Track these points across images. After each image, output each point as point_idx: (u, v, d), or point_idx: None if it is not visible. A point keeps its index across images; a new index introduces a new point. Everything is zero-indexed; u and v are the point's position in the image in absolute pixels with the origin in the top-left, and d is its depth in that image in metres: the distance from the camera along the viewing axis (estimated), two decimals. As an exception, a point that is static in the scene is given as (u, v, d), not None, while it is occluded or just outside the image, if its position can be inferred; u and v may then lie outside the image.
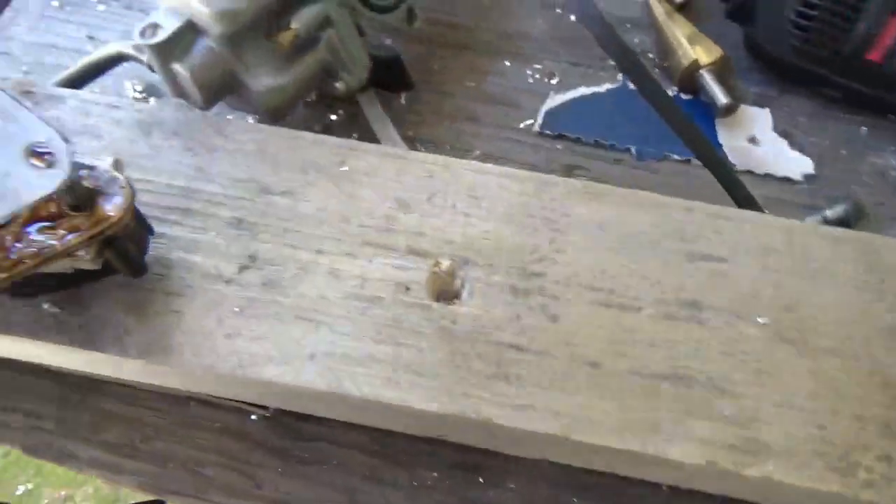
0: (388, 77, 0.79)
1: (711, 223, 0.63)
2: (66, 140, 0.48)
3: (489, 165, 0.65)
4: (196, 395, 0.64)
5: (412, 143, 0.78)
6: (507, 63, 0.85)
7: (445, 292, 0.61)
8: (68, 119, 0.65)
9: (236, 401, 0.64)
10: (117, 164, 0.54)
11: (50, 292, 0.56)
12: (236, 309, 0.57)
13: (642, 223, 0.63)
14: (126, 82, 0.80)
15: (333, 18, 0.71)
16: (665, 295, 0.59)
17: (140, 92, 0.79)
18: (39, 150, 0.48)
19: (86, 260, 0.51)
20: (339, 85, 0.73)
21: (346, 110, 0.81)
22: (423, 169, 0.65)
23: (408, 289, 0.59)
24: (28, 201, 0.47)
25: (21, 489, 1.79)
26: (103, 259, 0.53)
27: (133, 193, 0.52)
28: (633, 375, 0.56)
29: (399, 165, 0.65)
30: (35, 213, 0.49)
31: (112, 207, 0.51)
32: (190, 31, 0.66)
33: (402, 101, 0.82)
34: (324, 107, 0.81)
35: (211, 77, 0.67)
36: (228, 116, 0.77)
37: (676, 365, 0.56)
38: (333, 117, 0.80)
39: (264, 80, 0.68)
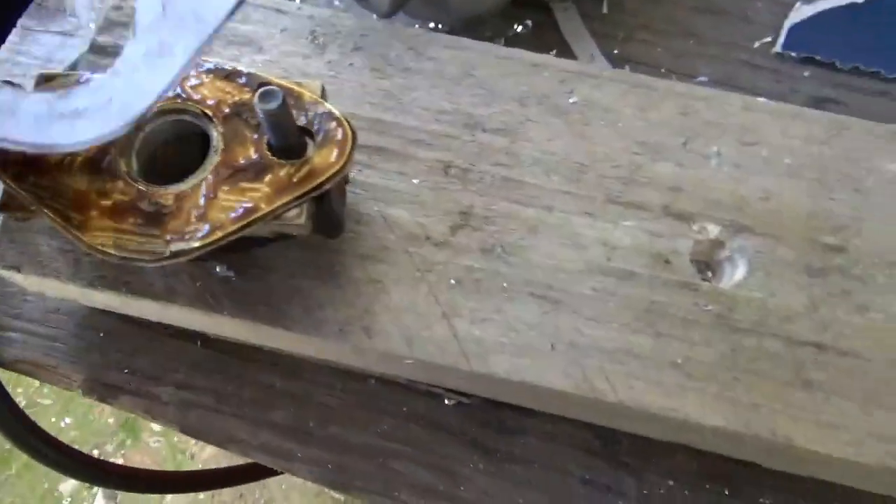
0: (594, -22, 0.63)
1: None
2: None
3: (763, 101, 0.50)
4: (377, 373, 0.53)
5: (619, 64, 0.63)
6: (735, -40, 0.68)
7: (700, 270, 0.47)
8: (225, 26, 0.52)
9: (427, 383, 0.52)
10: (324, 93, 0.41)
11: (222, 254, 0.45)
12: (452, 281, 0.45)
13: (973, 184, 0.48)
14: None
15: None
16: None
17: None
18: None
19: (295, 223, 0.39)
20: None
21: (534, 20, 0.65)
22: (675, 103, 0.50)
23: (667, 262, 0.46)
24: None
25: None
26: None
27: (354, 133, 0.39)
28: (975, 391, 0.42)
29: (643, 97, 0.50)
30: (232, 161, 0.37)
31: (328, 153, 0.38)
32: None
33: (605, 9, 0.66)
34: (504, 16, 0.66)
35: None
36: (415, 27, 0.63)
37: None
38: (518, 28, 0.65)
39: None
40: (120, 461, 1.59)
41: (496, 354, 0.43)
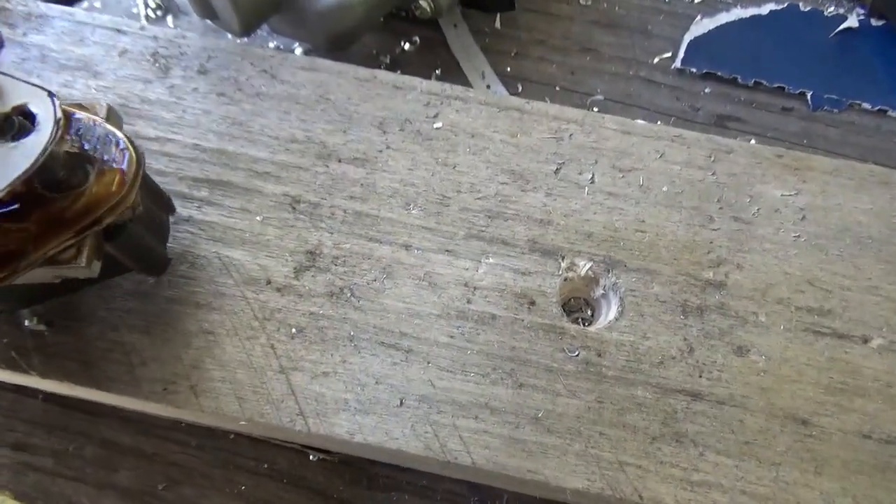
0: (482, -8, 0.59)
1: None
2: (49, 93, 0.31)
3: (641, 123, 0.46)
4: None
5: (510, 82, 0.59)
6: (634, -26, 0.64)
7: (580, 308, 0.44)
8: (54, 48, 0.47)
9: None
10: (111, 115, 0.36)
11: (33, 303, 0.40)
12: (294, 330, 0.40)
13: (863, 211, 0.44)
14: (138, -4, 0.61)
15: None
16: (902, 319, 0.42)
17: (155, 10, 0.61)
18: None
19: (76, 266, 0.34)
20: (423, 2, 0.53)
21: (422, 36, 0.61)
22: (547, 126, 0.46)
23: (533, 303, 0.42)
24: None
25: None
26: (102, 259, 0.36)
27: (140, 158, 0.34)
28: (863, 440, 0.39)
29: (514, 121, 0.46)
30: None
31: (109, 182, 0.33)
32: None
33: (497, 25, 0.62)
34: (392, 32, 0.62)
35: (250, -9, 0.48)
36: (272, 45, 0.58)
37: (926, 427, 0.39)
38: (406, 46, 0.61)
39: (323, -5, 0.49)
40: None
41: (338, 413, 0.39)
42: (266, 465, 0.48)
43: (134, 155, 0.34)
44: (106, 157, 0.34)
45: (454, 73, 0.59)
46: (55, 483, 0.47)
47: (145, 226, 0.38)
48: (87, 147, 0.34)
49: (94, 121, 0.34)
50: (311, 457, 0.48)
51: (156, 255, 0.40)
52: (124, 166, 0.33)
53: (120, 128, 0.35)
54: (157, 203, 0.40)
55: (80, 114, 0.34)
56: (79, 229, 0.33)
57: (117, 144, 0.34)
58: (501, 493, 0.47)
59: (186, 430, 0.49)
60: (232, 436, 0.49)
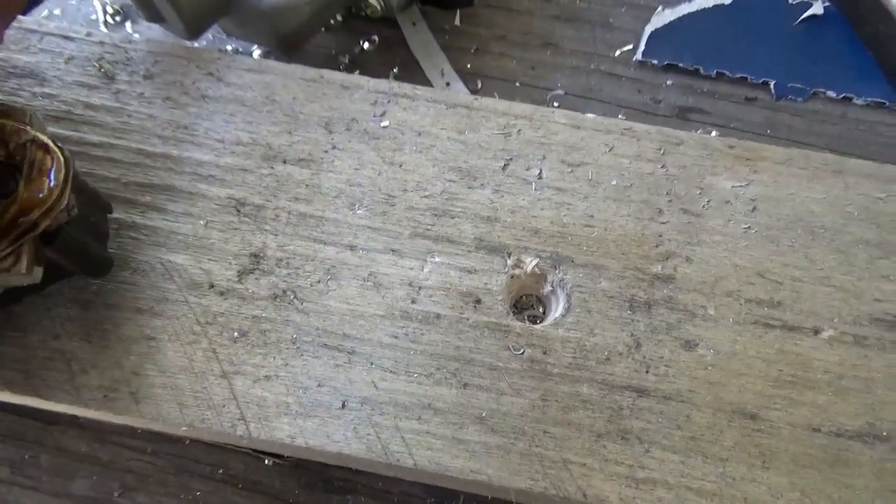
0: (439, -11, 0.59)
1: (918, 200, 0.43)
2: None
3: (591, 117, 0.46)
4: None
5: (471, 78, 0.59)
6: (595, -33, 0.64)
7: (531, 305, 0.43)
8: (0, 56, 0.47)
9: (245, 440, 0.47)
10: (33, 119, 0.36)
11: None
12: (236, 334, 0.40)
13: (816, 200, 0.43)
14: (96, 2, 0.61)
15: None
16: (853, 310, 0.41)
17: (114, 16, 0.60)
18: None
19: (17, 273, 0.34)
20: (373, 1, 0.53)
21: (381, 35, 0.61)
22: (496, 122, 0.46)
23: (478, 301, 0.41)
24: None
25: None
26: (43, 264, 0.36)
27: (69, 160, 0.34)
28: (813, 434, 0.38)
29: (461, 118, 0.46)
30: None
31: (38, 185, 0.33)
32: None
33: (457, 21, 0.61)
34: (351, 31, 0.61)
35: (197, -7, 0.48)
36: (226, 48, 0.58)
37: (878, 418, 0.38)
38: (365, 45, 0.60)
39: (271, -4, 0.49)
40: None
41: (279, 417, 0.38)
42: (221, 471, 0.48)
43: (61, 157, 0.34)
44: (33, 162, 0.33)
45: (413, 71, 0.59)
46: (11, 492, 0.47)
47: (82, 228, 0.38)
48: (13, 153, 0.34)
49: (18, 128, 0.34)
50: (266, 461, 0.48)
51: (96, 256, 0.40)
52: (52, 170, 0.33)
53: (44, 131, 0.35)
54: (93, 204, 0.40)
55: (4, 120, 0.34)
56: (14, 237, 0.33)
57: (44, 148, 0.34)
58: (457, 493, 0.47)
59: (142, 437, 0.48)
60: (187, 441, 0.48)
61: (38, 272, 0.35)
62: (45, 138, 0.34)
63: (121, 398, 0.39)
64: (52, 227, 0.35)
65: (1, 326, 0.40)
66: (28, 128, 0.34)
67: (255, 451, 0.47)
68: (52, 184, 0.33)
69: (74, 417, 0.48)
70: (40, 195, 0.33)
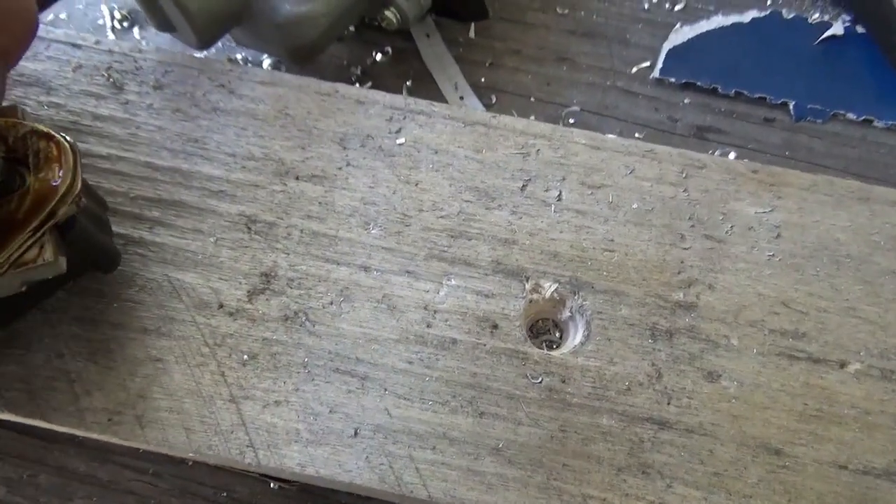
0: (455, 1, 0.58)
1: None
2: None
3: (611, 138, 0.45)
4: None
5: (485, 93, 0.58)
6: (612, -19, 0.63)
7: (548, 330, 0.42)
8: (7, 65, 0.46)
9: (250, 462, 0.46)
10: (25, 115, 0.35)
11: (3, 326, 0.39)
12: (245, 357, 0.39)
13: (842, 228, 0.42)
14: (103, 6, 0.60)
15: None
16: (880, 342, 0.40)
17: (121, 21, 0.59)
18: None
19: (45, 264, 0.33)
20: (389, 13, 0.52)
21: (394, 47, 0.60)
22: (514, 142, 0.45)
23: (495, 327, 0.40)
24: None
25: None
26: (65, 255, 0.35)
27: (73, 145, 0.33)
28: (839, 471, 0.37)
29: (479, 136, 0.45)
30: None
31: (49, 174, 0.32)
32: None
33: (472, 34, 0.60)
34: (363, 42, 0.60)
35: (210, 1, 0.47)
36: (236, 56, 0.57)
37: (905, 457, 0.37)
38: (378, 57, 0.59)
39: (289, 4, 0.48)
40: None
41: (289, 444, 0.37)
42: (225, 494, 0.46)
43: (65, 142, 0.33)
44: (37, 152, 0.33)
45: (426, 84, 0.58)
46: (8, 513, 0.46)
47: (90, 219, 0.37)
48: (13, 147, 0.33)
49: (14, 122, 0.33)
50: (271, 485, 0.46)
51: (108, 246, 0.39)
52: (57, 154, 0.33)
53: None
54: (94, 199, 0.39)
55: None
56: (35, 226, 0.32)
57: (46, 137, 0.33)
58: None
59: (144, 457, 0.47)
60: (190, 462, 0.47)
61: (63, 262, 0.34)
62: (44, 128, 0.33)
63: (126, 422, 0.37)
64: (66, 217, 0.34)
65: (4, 344, 0.39)
66: (24, 121, 0.33)
67: (260, 474, 0.46)
68: (62, 171, 0.33)
69: (75, 435, 0.47)
70: (54, 183, 0.32)
